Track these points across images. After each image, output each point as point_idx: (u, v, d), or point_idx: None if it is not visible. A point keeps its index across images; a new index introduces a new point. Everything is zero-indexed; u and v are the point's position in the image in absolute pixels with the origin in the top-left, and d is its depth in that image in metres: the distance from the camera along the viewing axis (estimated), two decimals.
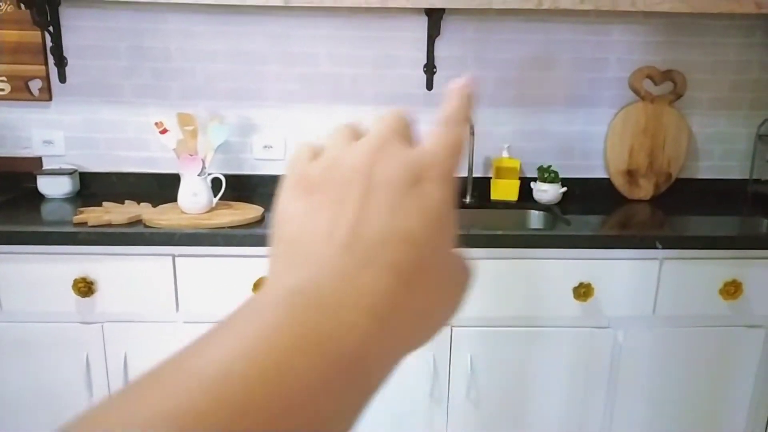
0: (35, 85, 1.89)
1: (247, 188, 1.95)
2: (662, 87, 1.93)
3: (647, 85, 1.92)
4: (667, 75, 1.91)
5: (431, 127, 0.28)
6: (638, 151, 1.94)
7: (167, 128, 1.63)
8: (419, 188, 0.24)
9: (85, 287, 1.46)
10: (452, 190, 0.26)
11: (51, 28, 1.82)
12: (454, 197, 0.26)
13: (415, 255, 0.23)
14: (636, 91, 1.92)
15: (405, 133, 0.27)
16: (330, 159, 0.26)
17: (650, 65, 1.91)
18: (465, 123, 0.29)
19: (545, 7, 1.65)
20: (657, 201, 1.96)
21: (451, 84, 0.30)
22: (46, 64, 1.88)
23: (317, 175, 0.26)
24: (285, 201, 0.26)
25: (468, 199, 1.91)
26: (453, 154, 0.27)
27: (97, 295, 1.49)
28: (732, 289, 1.54)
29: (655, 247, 1.50)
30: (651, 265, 1.53)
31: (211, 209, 1.63)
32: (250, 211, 1.62)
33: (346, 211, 0.24)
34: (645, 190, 1.96)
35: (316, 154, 0.28)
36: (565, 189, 1.87)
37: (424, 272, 0.23)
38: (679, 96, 1.92)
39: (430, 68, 1.90)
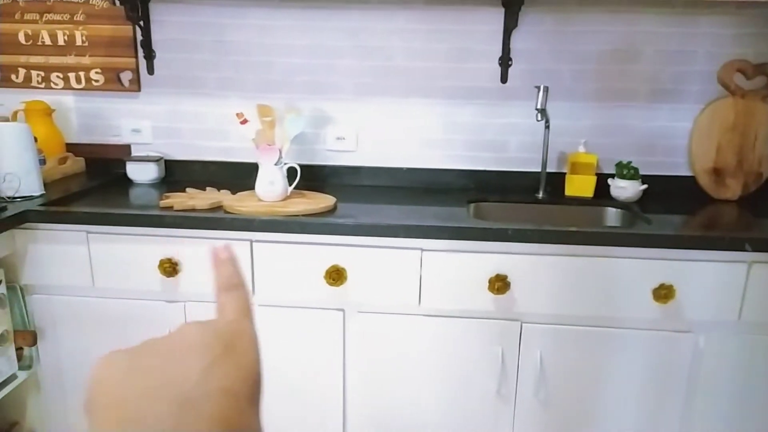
0: (126, 77, 2.01)
1: (320, 178, 2.00)
2: (755, 81, 1.82)
3: (738, 80, 1.82)
4: (761, 69, 1.80)
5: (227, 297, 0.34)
6: (726, 148, 1.84)
7: (247, 119, 1.69)
8: (234, 351, 0.29)
9: (170, 267, 1.54)
10: (256, 346, 0.31)
11: (141, 23, 1.93)
12: (258, 352, 0.31)
13: (236, 404, 0.27)
14: (725, 86, 1.81)
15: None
16: (145, 340, 0.30)
17: (742, 58, 1.80)
18: (243, 283, 0.34)
19: None
20: (745, 201, 1.85)
21: (215, 252, 0.35)
22: (136, 56, 1.99)
23: (135, 348, 0.29)
24: (100, 375, 0.28)
25: (541, 195, 1.88)
26: (249, 315, 0.33)
27: (181, 276, 1.56)
28: None
29: (744, 250, 1.42)
30: (738, 269, 1.45)
31: (286, 198, 1.68)
32: (322, 200, 1.66)
33: (171, 374, 0.27)
34: (732, 189, 1.86)
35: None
36: (645, 186, 1.80)
37: (243, 417, 0.27)
38: None
39: (505, 61, 1.87)
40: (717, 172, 1.86)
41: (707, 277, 1.46)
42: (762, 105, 1.81)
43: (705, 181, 1.87)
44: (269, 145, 1.66)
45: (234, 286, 0.34)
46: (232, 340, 0.30)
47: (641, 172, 1.82)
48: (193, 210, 1.56)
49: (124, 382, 0.27)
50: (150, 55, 1.97)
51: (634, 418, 1.57)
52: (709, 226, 1.67)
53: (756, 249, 1.42)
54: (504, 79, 1.89)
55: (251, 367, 0.29)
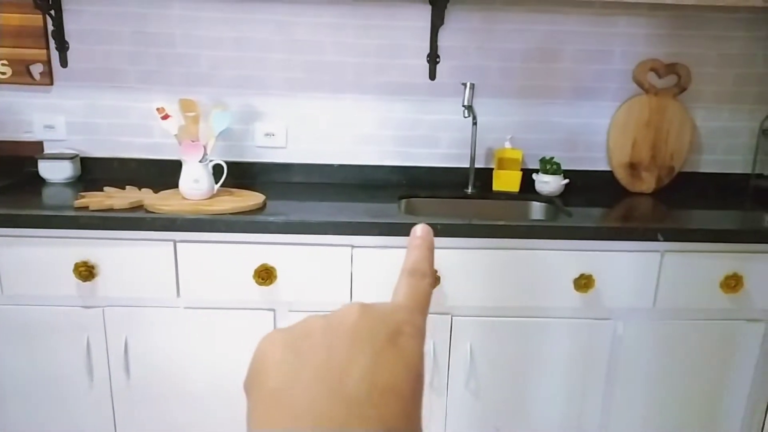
0: (36, 69, 1.88)
1: (249, 176, 1.95)
2: (666, 80, 1.92)
3: (651, 78, 1.92)
4: (672, 68, 1.91)
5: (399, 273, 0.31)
6: (641, 144, 1.94)
7: (169, 114, 1.62)
8: (398, 342, 0.26)
9: (86, 271, 1.46)
10: (424, 343, 0.27)
11: (52, 12, 1.81)
12: (424, 345, 0.28)
13: (401, 406, 0.24)
14: (640, 84, 1.91)
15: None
16: (309, 319, 0.28)
17: (655, 58, 1.90)
18: (431, 274, 0.31)
19: None
20: (659, 194, 1.96)
21: (415, 232, 0.32)
22: (47, 48, 1.87)
23: (299, 330, 0.27)
24: (264, 353, 0.27)
25: (470, 190, 1.91)
26: (423, 308, 0.29)
27: (98, 280, 1.48)
28: (733, 283, 1.54)
29: (657, 240, 1.50)
30: (652, 258, 1.53)
31: (213, 196, 1.63)
32: (251, 198, 1.62)
33: (331, 364, 0.24)
34: (647, 183, 1.96)
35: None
36: (567, 181, 1.87)
37: (409, 421, 0.24)
38: (683, 89, 1.91)
39: (433, 58, 1.89)
40: (633, 167, 1.95)
41: (624, 266, 1.53)
42: (673, 102, 1.92)
43: (621, 175, 1.96)
44: (193, 141, 1.60)
45: (419, 272, 0.30)
46: (397, 330, 0.26)
47: (563, 167, 1.89)
48: (111, 210, 1.49)
49: (288, 369, 0.25)
50: (63, 47, 1.85)
51: (559, 403, 1.63)
52: (625, 218, 1.76)
53: (668, 239, 1.51)
54: (432, 75, 1.91)
55: (415, 366, 0.26)
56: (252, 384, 0.26)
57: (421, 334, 0.28)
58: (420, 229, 0.32)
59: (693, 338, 1.59)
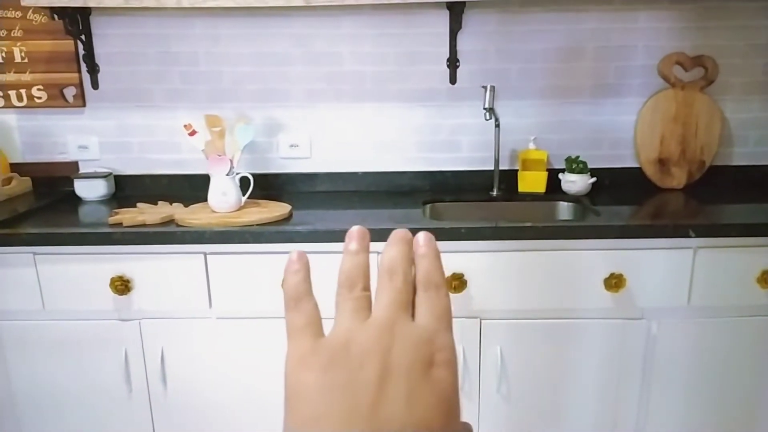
0: (70, 93, 1.95)
1: (275, 187, 1.98)
2: (693, 73, 1.88)
3: (677, 72, 1.88)
4: (698, 61, 1.87)
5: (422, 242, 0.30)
6: (669, 139, 1.90)
7: (196, 130, 1.67)
8: (432, 375, 0.25)
9: (121, 285, 1.50)
10: (456, 370, 0.27)
11: (83, 37, 1.88)
12: (457, 371, 0.27)
13: None
14: (666, 78, 1.88)
15: (408, 299, 0.28)
16: (342, 336, 0.27)
17: (679, 51, 1.87)
18: (444, 283, 0.29)
19: None
20: (690, 189, 1.91)
21: (417, 242, 0.30)
22: (79, 71, 1.94)
23: (331, 350, 0.26)
24: (297, 370, 0.26)
25: (495, 192, 1.90)
26: (449, 324, 0.28)
27: (133, 293, 1.53)
28: None
29: (689, 236, 1.47)
30: (685, 255, 1.50)
31: (240, 208, 1.66)
32: (277, 209, 1.64)
33: (364, 395, 0.24)
34: (678, 178, 1.92)
35: (318, 324, 0.28)
36: (594, 179, 1.84)
37: None
38: (710, 82, 1.87)
39: (453, 62, 1.90)
40: (662, 162, 1.92)
41: (655, 264, 1.50)
42: (701, 95, 1.88)
43: (651, 171, 1.93)
44: (219, 155, 1.64)
45: (433, 284, 0.29)
46: (431, 361, 0.25)
47: (590, 166, 1.87)
48: (144, 225, 1.53)
49: (322, 398, 0.24)
50: (93, 70, 1.92)
51: (593, 406, 1.60)
52: (655, 215, 1.73)
53: (700, 235, 1.47)
54: (453, 80, 1.91)
55: (448, 399, 0.25)
56: (287, 408, 0.25)
57: (454, 358, 0.27)
58: (422, 238, 0.31)
59: (730, 336, 1.55)
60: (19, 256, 1.52)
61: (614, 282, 1.49)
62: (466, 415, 1.59)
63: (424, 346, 0.26)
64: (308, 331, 0.28)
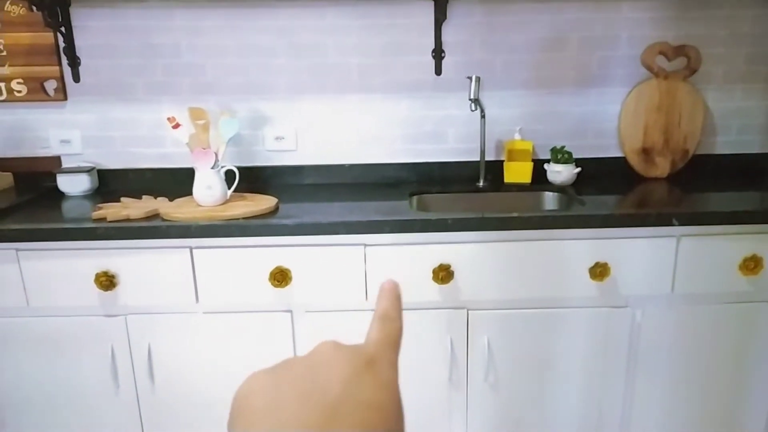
0: (50, 86, 1.92)
1: (260, 179, 1.97)
2: (676, 63, 1.90)
3: (660, 62, 1.89)
4: (681, 50, 1.88)
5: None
6: (653, 128, 1.91)
7: (179, 123, 1.65)
8: (374, 368, 0.28)
9: (107, 281, 1.49)
10: (397, 376, 0.30)
11: (63, 29, 1.85)
12: (397, 381, 0.29)
13: (384, 419, 0.26)
14: (649, 68, 1.89)
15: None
16: (285, 359, 0.30)
17: (662, 41, 1.88)
18: (399, 318, 0.34)
19: None
20: (674, 178, 1.93)
21: (382, 285, 0.36)
22: (60, 64, 1.91)
23: (277, 367, 0.29)
24: (245, 391, 0.28)
25: (481, 183, 1.91)
26: (394, 345, 0.32)
27: (119, 289, 1.52)
28: (752, 265, 1.51)
29: (672, 224, 1.49)
30: (668, 243, 1.52)
31: (226, 201, 1.65)
32: (263, 202, 1.64)
33: (314, 384, 0.26)
34: (661, 168, 1.94)
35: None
36: (579, 169, 1.86)
37: None
38: (693, 71, 1.88)
39: (438, 53, 1.89)
40: (646, 152, 1.93)
41: (639, 253, 1.52)
42: (684, 85, 1.89)
43: (635, 161, 1.94)
44: (204, 148, 1.63)
45: (388, 317, 0.33)
46: (372, 360, 0.29)
47: (575, 156, 1.88)
48: (128, 220, 1.52)
49: (272, 391, 0.27)
50: (74, 63, 1.89)
51: (580, 393, 1.62)
52: (639, 204, 1.74)
53: (683, 223, 1.49)
54: (438, 71, 1.91)
55: (394, 391, 0.28)
56: (236, 420, 0.27)
57: (394, 367, 0.30)
58: (386, 283, 0.36)
59: (714, 322, 1.57)
60: (2, 252, 1.50)
61: (599, 271, 1.51)
62: (455, 405, 1.61)
63: (367, 351, 0.30)
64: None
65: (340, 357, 0.29)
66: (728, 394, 1.63)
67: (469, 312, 1.56)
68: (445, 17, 1.83)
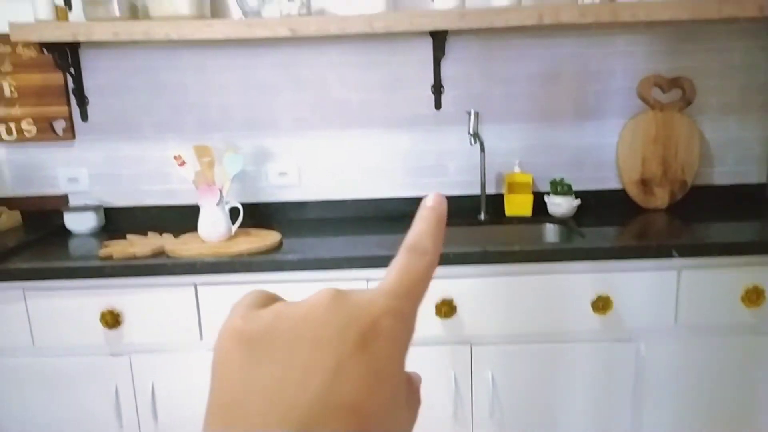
0: (59, 126, 1.97)
1: (265, 215, 2.00)
2: (671, 94, 1.93)
3: (656, 94, 1.93)
4: (675, 82, 1.92)
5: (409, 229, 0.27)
6: (651, 159, 1.94)
7: (185, 161, 1.68)
8: (370, 348, 0.22)
9: (112, 319, 1.50)
10: (409, 338, 0.24)
11: (72, 70, 1.90)
12: (410, 338, 0.24)
13: (357, 425, 0.21)
14: (644, 100, 1.92)
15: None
16: (276, 310, 0.24)
17: (657, 73, 1.92)
18: (433, 252, 0.26)
19: (546, 22, 1.68)
20: (673, 209, 1.95)
21: (425, 200, 0.28)
22: (68, 104, 1.96)
23: (261, 327, 0.23)
24: (224, 351, 0.24)
25: (482, 216, 1.93)
26: (414, 292, 0.25)
27: (123, 327, 1.53)
28: (754, 296, 1.52)
29: (672, 256, 1.50)
30: (669, 275, 1.53)
31: (231, 237, 1.67)
32: (268, 238, 1.66)
33: (289, 377, 0.22)
34: (660, 199, 1.96)
35: (265, 302, 0.25)
36: (579, 201, 1.87)
37: None
38: (688, 103, 1.92)
39: (437, 88, 1.93)
40: (644, 183, 1.96)
41: (641, 285, 1.53)
42: (680, 116, 1.92)
43: (634, 192, 1.96)
44: (209, 185, 1.66)
45: (419, 249, 0.26)
46: (372, 329, 0.23)
47: (574, 188, 1.90)
48: (134, 257, 1.54)
49: (244, 379, 0.23)
50: (83, 102, 1.94)
51: (587, 428, 1.61)
52: (639, 236, 1.76)
53: (683, 254, 1.50)
54: (438, 105, 1.95)
55: (388, 376, 0.22)
56: (211, 392, 0.24)
57: (405, 326, 0.24)
58: (431, 199, 0.28)
59: (718, 354, 1.57)
60: (9, 291, 1.52)
61: (601, 304, 1.51)
62: None
63: (370, 312, 0.23)
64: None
65: (330, 328, 0.22)
66: (735, 426, 1.62)
67: (473, 347, 1.56)
68: (443, 53, 1.88)
